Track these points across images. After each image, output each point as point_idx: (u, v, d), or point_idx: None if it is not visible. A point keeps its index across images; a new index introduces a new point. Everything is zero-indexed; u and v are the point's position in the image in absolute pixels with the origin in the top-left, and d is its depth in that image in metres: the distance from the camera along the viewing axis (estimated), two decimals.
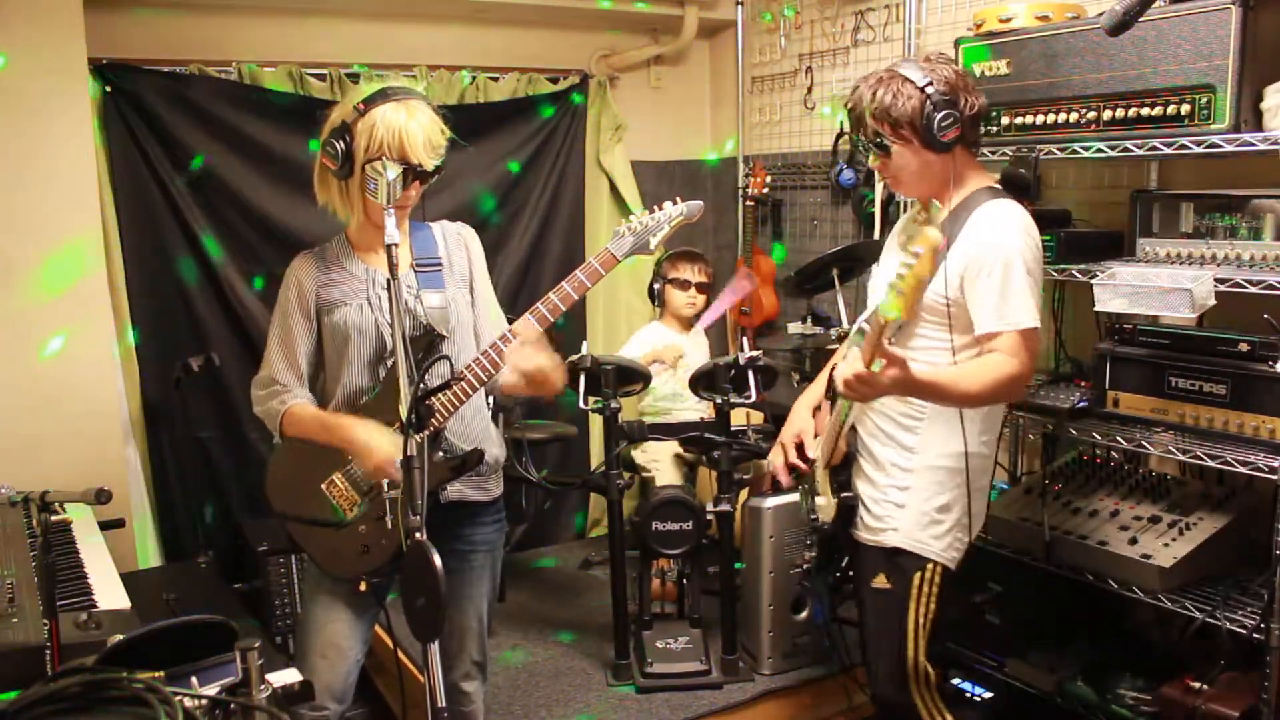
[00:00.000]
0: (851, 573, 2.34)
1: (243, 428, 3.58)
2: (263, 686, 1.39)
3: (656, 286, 3.75)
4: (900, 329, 2.08)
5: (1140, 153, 2.34)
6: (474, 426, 2.14)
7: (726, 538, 2.98)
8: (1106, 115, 2.36)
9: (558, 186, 4.18)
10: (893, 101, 2.00)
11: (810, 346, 3.45)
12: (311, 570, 2.14)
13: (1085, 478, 2.76)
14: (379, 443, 1.93)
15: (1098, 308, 2.38)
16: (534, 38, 4.14)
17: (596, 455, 4.26)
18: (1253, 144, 2.13)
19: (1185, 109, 2.21)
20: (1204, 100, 2.17)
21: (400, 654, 2.82)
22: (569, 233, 4.24)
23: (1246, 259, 2.34)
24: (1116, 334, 2.55)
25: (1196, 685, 2.34)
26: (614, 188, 4.31)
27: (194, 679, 1.39)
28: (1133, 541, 2.43)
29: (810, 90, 4.04)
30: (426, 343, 2.02)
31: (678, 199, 2.12)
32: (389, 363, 2.05)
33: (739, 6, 4.29)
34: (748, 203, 4.18)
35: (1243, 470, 2.21)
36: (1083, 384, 2.64)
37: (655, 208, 2.09)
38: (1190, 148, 2.21)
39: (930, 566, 2.13)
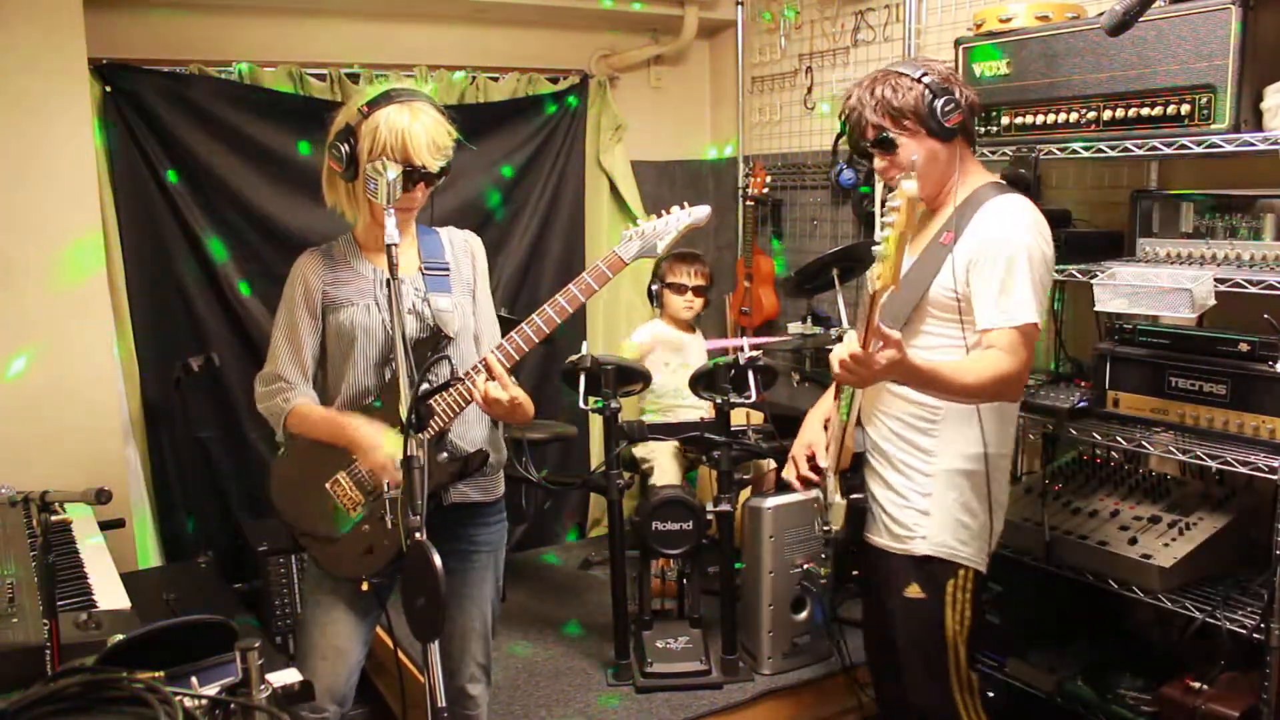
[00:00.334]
0: (858, 575, 2.28)
1: (243, 428, 3.58)
2: (263, 686, 1.39)
3: (654, 289, 3.75)
4: (908, 324, 2.06)
5: (1140, 153, 2.34)
6: (477, 429, 2.14)
7: (726, 538, 2.98)
8: (1106, 115, 2.36)
9: (558, 187, 4.18)
10: (893, 94, 2.00)
11: (810, 346, 3.45)
12: (312, 570, 2.14)
13: (1085, 478, 2.76)
14: (382, 441, 1.93)
15: (1098, 308, 2.38)
16: (534, 38, 4.14)
17: (596, 455, 4.26)
18: (1253, 144, 2.13)
19: (1185, 109, 2.21)
20: (1204, 100, 2.17)
21: (400, 654, 2.82)
22: (569, 233, 4.24)
23: (1246, 259, 2.34)
24: (1116, 334, 2.55)
25: (1196, 685, 2.34)
26: (614, 188, 4.31)
27: (194, 679, 1.39)
28: (1133, 541, 2.43)
29: (810, 90, 4.04)
30: (433, 344, 2.03)
31: (685, 204, 2.11)
32: (394, 364, 2.05)
33: (739, 6, 4.30)
34: (748, 203, 4.19)
35: (1243, 470, 2.21)
36: (1083, 384, 2.64)
37: (664, 211, 2.09)
38: (1190, 148, 2.21)
39: (962, 573, 2.09)
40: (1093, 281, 2.38)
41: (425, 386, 1.95)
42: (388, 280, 1.82)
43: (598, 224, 4.30)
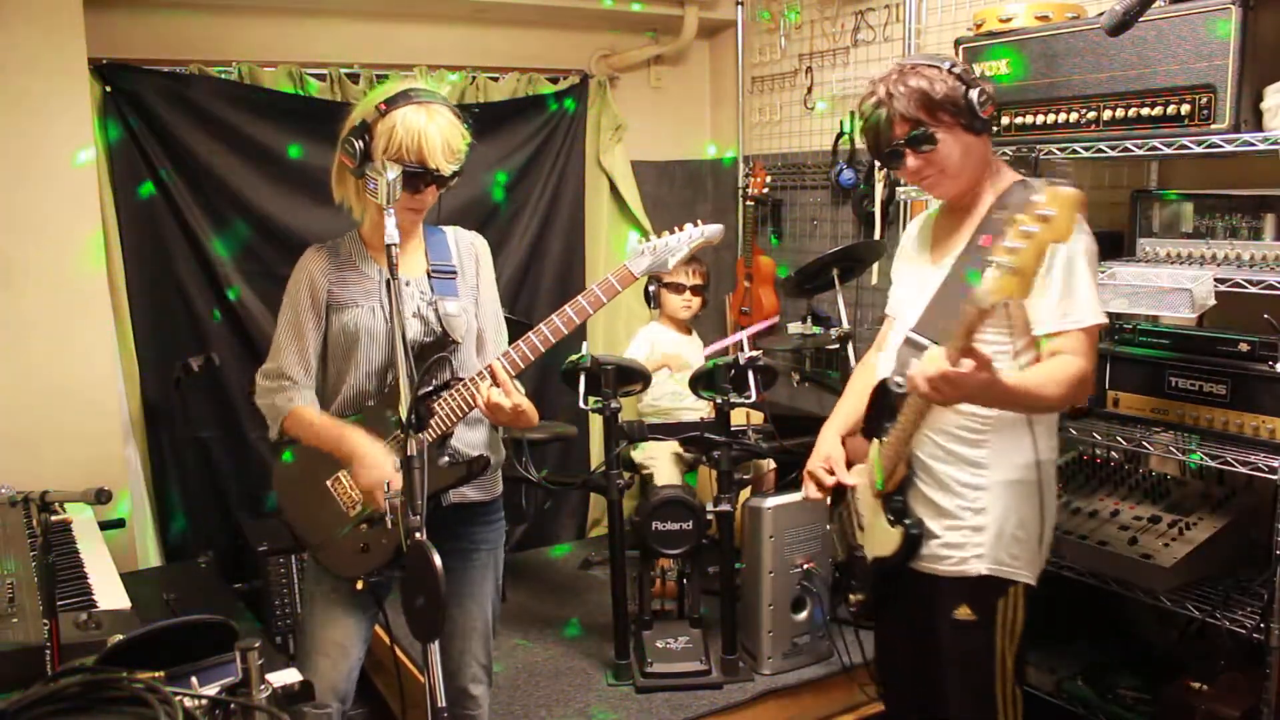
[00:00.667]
0: (885, 597, 2.13)
1: (243, 428, 3.58)
2: (262, 686, 1.39)
3: (651, 289, 3.75)
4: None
5: (1140, 153, 2.34)
6: (477, 431, 2.14)
7: (726, 538, 2.98)
8: (1106, 115, 2.36)
9: (558, 187, 4.18)
10: (930, 85, 1.86)
11: (810, 346, 3.45)
12: (312, 568, 2.14)
13: (1085, 478, 2.76)
14: (382, 461, 1.94)
15: None
16: (534, 38, 4.14)
17: (596, 455, 4.26)
18: (1253, 144, 2.13)
19: (1185, 109, 2.20)
20: (1204, 100, 2.17)
21: (400, 654, 2.82)
22: (569, 233, 4.24)
23: (1246, 259, 2.34)
24: (1117, 334, 2.55)
25: (1196, 685, 2.34)
26: (614, 188, 4.31)
27: (194, 679, 1.40)
28: (1133, 541, 2.43)
29: (810, 90, 4.04)
30: (440, 349, 2.02)
31: (699, 221, 2.10)
32: (395, 366, 2.04)
33: (739, 6, 4.30)
34: (748, 203, 4.19)
35: (1243, 470, 2.21)
36: None
37: (676, 228, 2.08)
38: (1190, 148, 2.21)
39: (1013, 590, 1.96)
40: None
41: (427, 389, 1.95)
42: (387, 281, 1.82)
43: (598, 224, 4.30)
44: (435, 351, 2.01)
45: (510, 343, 2.09)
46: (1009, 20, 2.57)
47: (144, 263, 3.42)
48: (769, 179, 4.10)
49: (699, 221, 2.10)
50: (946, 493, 1.97)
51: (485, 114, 3.92)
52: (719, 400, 3.01)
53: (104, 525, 2.60)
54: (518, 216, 4.08)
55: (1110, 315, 2.59)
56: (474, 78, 3.94)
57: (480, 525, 2.20)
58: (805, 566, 2.99)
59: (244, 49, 3.55)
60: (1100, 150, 2.40)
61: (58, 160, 2.94)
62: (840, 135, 3.86)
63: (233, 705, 1.36)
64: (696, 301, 3.74)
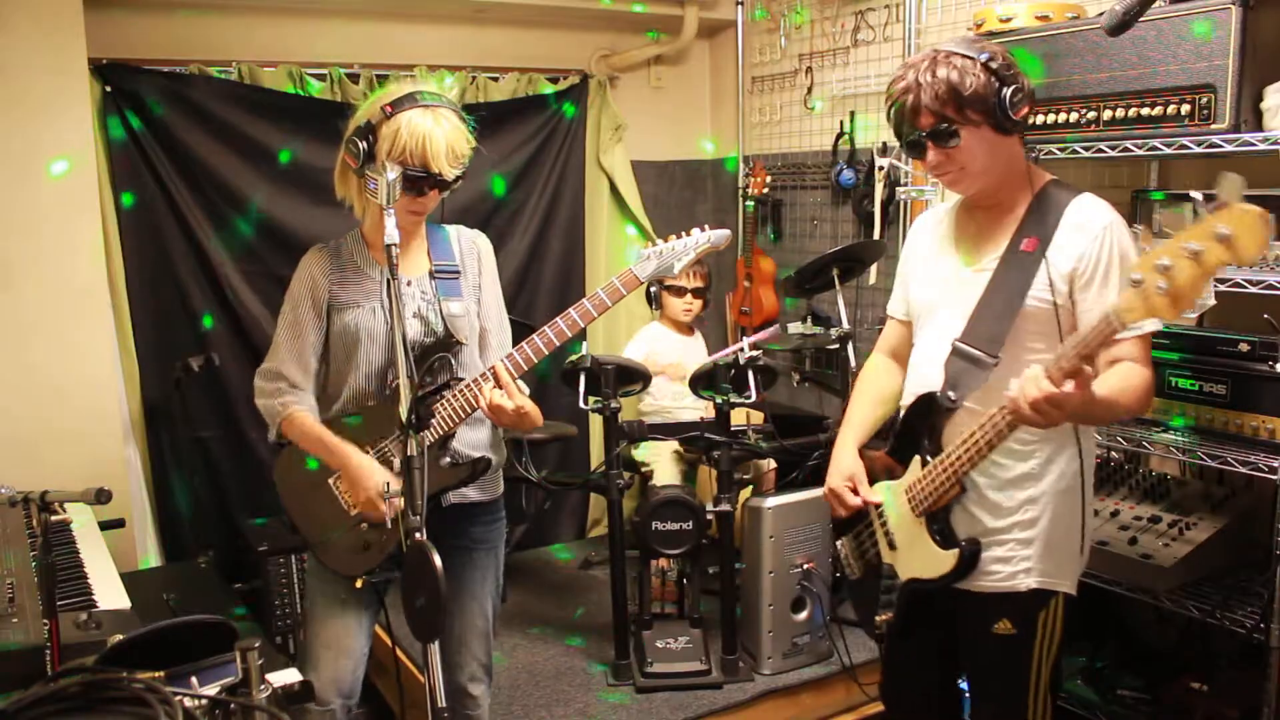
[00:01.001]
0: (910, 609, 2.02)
1: (243, 428, 3.58)
2: (262, 686, 1.39)
3: (653, 290, 3.74)
4: (1010, 344, 1.81)
5: (1140, 153, 2.34)
6: (480, 432, 2.14)
7: (726, 538, 2.98)
8: (1106, 115, 2.36)
9: (558, 186, 4.18)
10: (960, 79, 1.74)
11: (810, 346, 3.44)
12: (313, 566, 2.14)
13: None
14: (374, 473, 1.96)
15: None
16: (534, 38, 4.14)
17: (596, 455, 4.26)
18: (1253, 144, 2.13)
19: (1185, 109, 2.20)
20: (1204, 100, 2.17)
21: (400, 654, 2.82)
22: (569, 233, 4.23)
23: None
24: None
25: (1196, 685, 2.34)
26: (614, 188, 4.31)
27: (194, 679, 1.40)
28: (1133, 541, 2.43)
29: (810, 90, 4.04)
30: (442, 349, 2.02)
31: (705, 226, 2.09)
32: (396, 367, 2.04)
33: (739, 6, 4.30)
34: (747, 203, 4.19)
35: (1243, 470, 2.21)
36: None
37: (683, 233, 2.07)
38: (1190, 148, 2.21)
39: (1054, 601, 1.88)
40: None
41: (427, 389, 1.95)
42: (388, 281, 1.82)
43: (598, 224, 4.30)
44: (436, 352, 2.01)
45: (512, 342, 2.09)
46: (1009, 20, 2.57)
47: (144, 263, 3.43)
48: (769, 179, 4.10)
49: (705, 226, 2.09)
50: (996, 507, 1.88)
51: (485, 114, 3.92)
52: (719, 400, 3.01)
53: (104, 525, 2.60)
54: (518, 216, 4.08)
55: None
56: (474, 78, 3.94)
57: (481, 525, 2.20)
58: (805, 566, 2.99)
59: (244, 49, 3.55)
60: (1100, 150, 2.40)
61: (58, 160, 2.94)
62: (840, 135, 3.86)
63: (233, 705, 1.36)
64: (698, 304, 3.74)
